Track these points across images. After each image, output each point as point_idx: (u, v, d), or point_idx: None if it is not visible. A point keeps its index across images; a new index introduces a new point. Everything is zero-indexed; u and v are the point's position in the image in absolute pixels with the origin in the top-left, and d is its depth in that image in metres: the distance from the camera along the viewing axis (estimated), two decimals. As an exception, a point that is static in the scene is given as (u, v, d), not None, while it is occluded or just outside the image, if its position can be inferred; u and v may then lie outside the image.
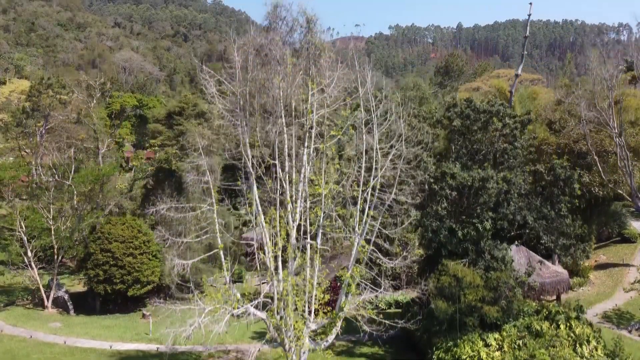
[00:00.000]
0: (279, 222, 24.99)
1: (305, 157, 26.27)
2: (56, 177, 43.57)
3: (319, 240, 25.92)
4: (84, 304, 47.32)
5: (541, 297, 41.05)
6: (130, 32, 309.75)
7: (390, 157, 26.72)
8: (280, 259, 25.01)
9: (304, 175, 26.37)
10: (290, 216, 25.62)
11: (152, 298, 47.59)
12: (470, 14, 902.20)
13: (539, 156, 43.48)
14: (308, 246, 26.03)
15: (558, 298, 43.58)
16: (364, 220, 25.59)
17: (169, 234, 30.33)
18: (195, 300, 26.03)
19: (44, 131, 63.25)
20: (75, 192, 43.72)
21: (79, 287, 51.37)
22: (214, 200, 25.98)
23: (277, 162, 25.93)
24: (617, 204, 58.83)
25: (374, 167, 25.72)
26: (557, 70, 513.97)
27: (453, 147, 32.65)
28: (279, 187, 25.69)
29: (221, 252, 27.66)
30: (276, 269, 25.09)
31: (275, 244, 24.87)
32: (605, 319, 41.20)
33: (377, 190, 25.29)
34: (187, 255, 50.03)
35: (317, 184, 26.64)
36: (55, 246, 45.66)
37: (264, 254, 25.57)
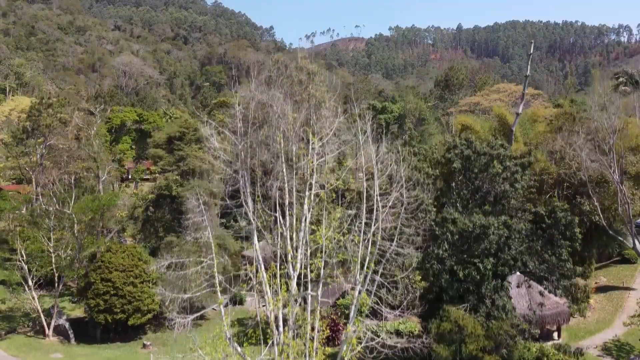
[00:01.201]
0: (280, 281, 24.96)
1: (306, 206, 26.29)
2: (56, 206, 43.64)
3: (319, 291, 25.91)
4: (85, 332, 47.34)
5: (542, 327, 41.28)
6: (131, 35, 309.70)
7: (390, 203, 26.70)
8: (281, 317, 24.99)
9: (305, 224, 26.37)
10: (291, 267, 25.64)
11: (152, 324, 47.74)
12: (470, 14, 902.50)
13: (539, 186, 43.50)
14: (309, 297, 26.02)
15: (558, 329, 43.70)
16: (364, 271, 25.58)
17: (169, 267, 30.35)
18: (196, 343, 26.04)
19: (44, 151, 63.29)
20: (75, 221, 43.80)
21: (80, 311, 51.40)
22: (214, 256, 25.82)
23: (277, 214, 25.91)
24: (617, 223, 58.92)
25: (374, 219, 25.70)
26: (557, 72, 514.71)
27: (454, 185, 32.65)
28: (279, 241, 25.67)
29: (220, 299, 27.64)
30: (277, 327, 25.08)
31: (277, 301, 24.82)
32: (605, 351, 41.26)
33: (378, 243, 25.28)
34: (186, 285, 50.09)
35: (317, 232, 26.65)
36: (56, 274, 45.71)
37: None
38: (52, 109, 64.02)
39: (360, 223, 25.61)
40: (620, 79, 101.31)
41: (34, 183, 61.32)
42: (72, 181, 45.27)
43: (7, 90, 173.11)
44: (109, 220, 45.73)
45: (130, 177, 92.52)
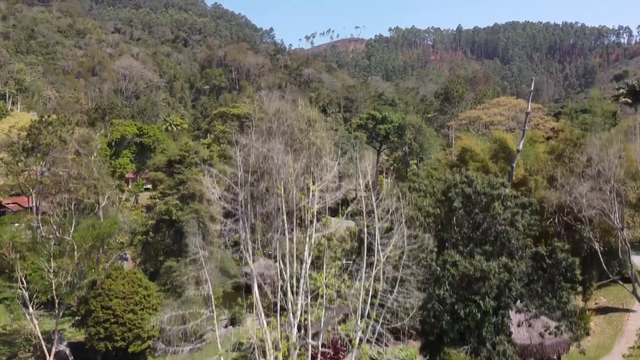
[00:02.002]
0: (280, 333, 24.97)
1: (306, 252, 26.30)
2: (56, 233, 43.65)
3: (320, 342, 25.92)
4: (85, 357, 47.33)
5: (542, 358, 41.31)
6: (130, 38, 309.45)
7: (390, 247, 26.69)
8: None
9: (305, 270, 26.38)
10: (291, 316, 25.65)
11: (153, 350, 47.75)
12: (470, 15, 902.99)
13: (540, 216, 43.50)
14: (309, 346, 26.05)
15: (559, 358, 43.76)
16: (364, 321, 25.59)
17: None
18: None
19: (44, 169, 63.32)
20: (75, 248, 43.79)
21: (80, 336, 51.39)
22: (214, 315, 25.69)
23: (278, 263, 25.90)
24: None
25: (374, 269, 25.70)
26: (557, 73, 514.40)
27: (455, 220, 32.66)
28: (279, 294, 25.65)
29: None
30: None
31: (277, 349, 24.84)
32: (606, 381, 41.40)
33: (378, 295, 25.26)
34: (186, 307, 50.00)
35: (317, 277, 26.64)
36: (57, 300, 45.68)
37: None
38: (52, 127, 64.06)
39: (360, 269, 25.62)
40: (621, 90, 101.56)
41: (33, 201, 61.39)
42: (72, 206, 45.20)
43: (7, 96, 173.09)
44: (109, 248, 45.80)
45: (129, 188, 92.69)
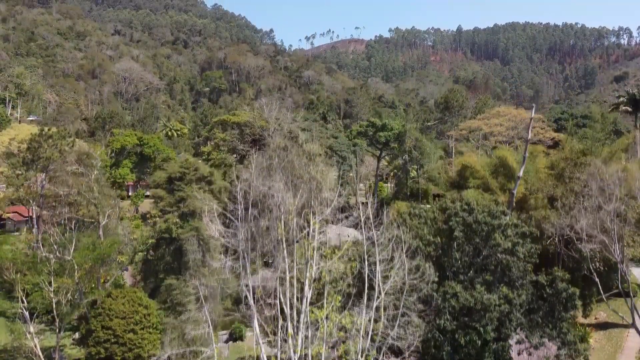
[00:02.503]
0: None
1: (306, 287, 26.30)
2: (57, 253, 43.69)
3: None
4: (86, 377, 47.33)
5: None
6: (130, 40, 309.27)
7: (390, 282, 26.68)
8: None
9: (305, 306, 26.38)
10: (292, 352, 25.66)
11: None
12: (470, 16, 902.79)
13: (539, 237, 43.50)
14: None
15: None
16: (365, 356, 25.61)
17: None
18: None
19: (44, 183, 63.36)
20: (76, 268, 43.81)
21: (81, 354, 51.38)
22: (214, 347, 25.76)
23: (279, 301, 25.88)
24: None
25: (374, 305, 25.70)
26: (557, 74, 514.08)
27: (455, 246, 32.66)
28: (280, 333, 25.64)
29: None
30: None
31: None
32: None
33: (379, 332, 25.27)
34: (186, 326, 49.93)
35: (318, 313, 26.65)
36: (57, 319, 45.68)
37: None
38: (52, 140, 64.06)
39: (361, 305, 25.64)
40: (621, 99, 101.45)
41: (33, 212, 61.47)
42: (73, 224, 45.21)
43: (7, 100, 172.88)
44: (109, 268, 45.82)
45: (129, 195, 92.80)
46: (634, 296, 62.95)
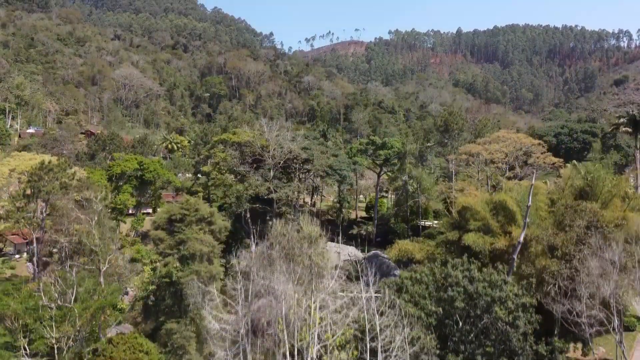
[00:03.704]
0: None
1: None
2: (58, 301, 43.73)
3: None
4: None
5: None
6: (130, 45, 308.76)
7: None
8: None
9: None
10: None
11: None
12: (469, 18, 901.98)
13: (539, 285, 43.59)
14: None
15: None
16: None
17: None
18: None
19: (45, 216, 63.42)
20: (77, 315, 43.86)
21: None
22: None
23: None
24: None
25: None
26: (557, 77, 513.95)
27: (456, 315, 32.76)
28: None
29: None
30: None
31: None
32: None
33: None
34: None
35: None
36: (58, 366, 45.78)
37: None
38: (52, 173, 64.09)
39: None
40: (622, 120, 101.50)
41: (34, 241, 61.58)
42: (74, 273, 45.18)
43: (7, 111, 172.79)
44: (110, 316, 45.90)
45: (130, 212, 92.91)
46: (632, 330, 63.45)
